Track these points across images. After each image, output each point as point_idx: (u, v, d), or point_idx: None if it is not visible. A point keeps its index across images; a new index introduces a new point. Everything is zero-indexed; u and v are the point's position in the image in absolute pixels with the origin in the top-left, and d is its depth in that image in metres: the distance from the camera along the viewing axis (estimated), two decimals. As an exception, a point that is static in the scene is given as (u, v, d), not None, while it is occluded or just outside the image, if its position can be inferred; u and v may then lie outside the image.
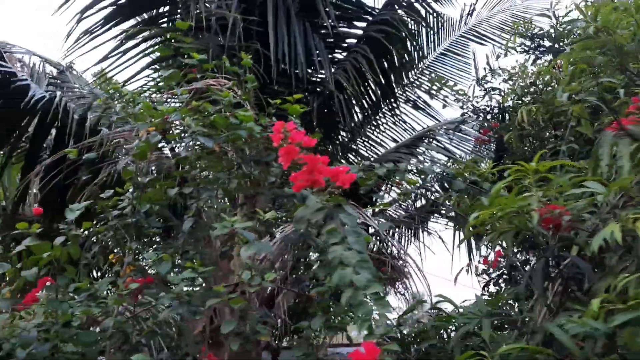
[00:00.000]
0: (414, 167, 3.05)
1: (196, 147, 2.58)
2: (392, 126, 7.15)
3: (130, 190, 2.85)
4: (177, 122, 2.81)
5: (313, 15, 5.35)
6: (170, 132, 2.92)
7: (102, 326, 2.42)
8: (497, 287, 5.54)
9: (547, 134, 4.49)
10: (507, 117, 5.39)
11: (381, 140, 7.12)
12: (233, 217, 2.43)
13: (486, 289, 5.48)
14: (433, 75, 7.14)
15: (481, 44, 7.42)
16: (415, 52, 6.34)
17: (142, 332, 2.79)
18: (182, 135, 2.63)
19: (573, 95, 3.35)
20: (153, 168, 4.24)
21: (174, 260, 2.71)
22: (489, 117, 5.43)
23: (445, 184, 4.16)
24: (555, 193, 2.28)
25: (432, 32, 6.76)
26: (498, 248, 5.66)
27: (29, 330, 2.17)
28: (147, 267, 2.98)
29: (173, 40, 5.52)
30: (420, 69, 7.18)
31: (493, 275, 5.54)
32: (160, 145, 3.34)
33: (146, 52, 5.13)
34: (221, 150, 2.69)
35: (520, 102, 4.90)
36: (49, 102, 4.21)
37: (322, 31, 5.48)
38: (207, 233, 2.56)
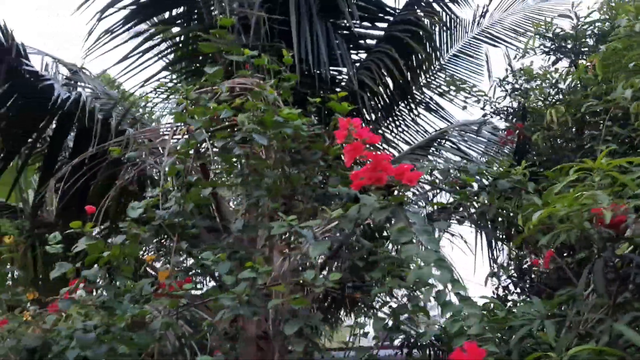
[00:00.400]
0: (455, 166, 3.01)
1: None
2: (404, 128, 7.11)
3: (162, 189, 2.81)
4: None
5: (333, 15, 5.32)
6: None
7: (150, 327, 2.36)
8: (505, 292, 5.52)
9: (575, 134, 4.47)
10: (527, 118, 5.37)
11: (393, 142, 7.09)
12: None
13: (502, 292, 5.46)
14: (448, 77, 7.11)
15: (494, 45, 7.40)
16: (433, 53, 6.31)
17: (183, 335, 2.74)
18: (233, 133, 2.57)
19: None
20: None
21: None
22: (510, 118, 5.41)
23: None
24: (610, 192, 2.26)
25: (447, 33, 6.74)
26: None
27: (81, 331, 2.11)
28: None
29: (188, 41, 5.52)
30: (434, 71, 7.15)
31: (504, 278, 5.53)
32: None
33: (167, 51, 5.08)
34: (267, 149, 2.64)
35: (545, 102, 4.89)
36: (74, 102, 4.14)
37: (340, 31, 5.44)
38: (256, 233, 2.50)
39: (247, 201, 2.57)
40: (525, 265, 5.26)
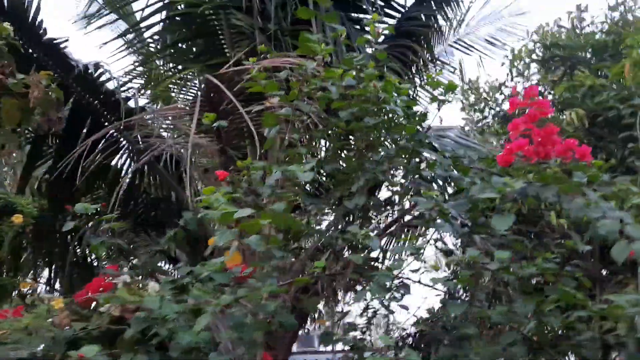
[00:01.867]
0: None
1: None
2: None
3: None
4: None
5: (345, 8, 5.22)
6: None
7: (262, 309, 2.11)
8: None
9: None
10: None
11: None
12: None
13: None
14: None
15: (467, 54, 7.61)
16: (428, 52, 6.36)
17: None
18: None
19: None
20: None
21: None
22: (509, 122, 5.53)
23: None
24: None
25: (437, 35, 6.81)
26: None
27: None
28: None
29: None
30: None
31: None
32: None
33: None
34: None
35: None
36: (95, 72, 3.73)
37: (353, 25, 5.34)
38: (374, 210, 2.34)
39: (363, 175, 2.37)
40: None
